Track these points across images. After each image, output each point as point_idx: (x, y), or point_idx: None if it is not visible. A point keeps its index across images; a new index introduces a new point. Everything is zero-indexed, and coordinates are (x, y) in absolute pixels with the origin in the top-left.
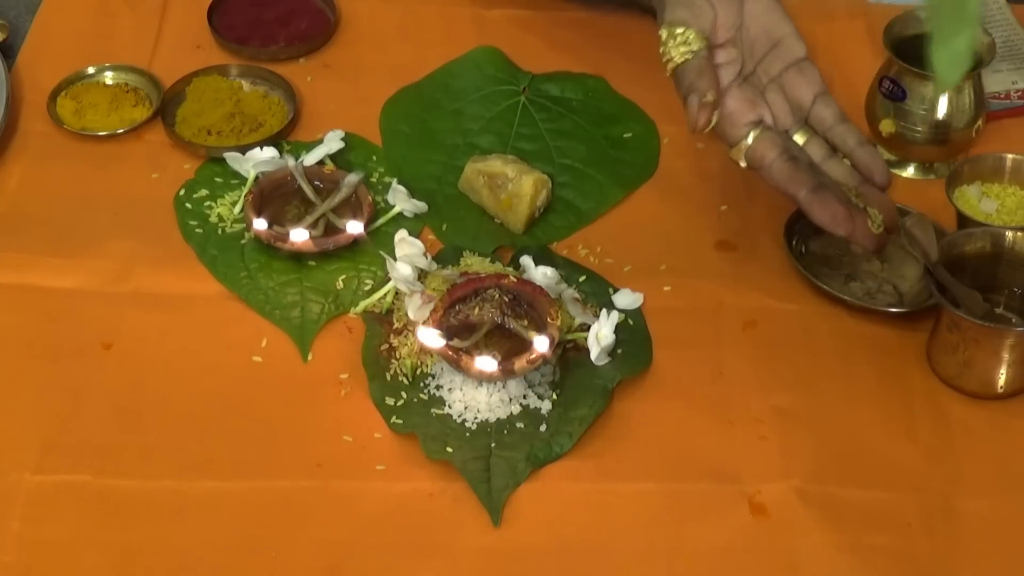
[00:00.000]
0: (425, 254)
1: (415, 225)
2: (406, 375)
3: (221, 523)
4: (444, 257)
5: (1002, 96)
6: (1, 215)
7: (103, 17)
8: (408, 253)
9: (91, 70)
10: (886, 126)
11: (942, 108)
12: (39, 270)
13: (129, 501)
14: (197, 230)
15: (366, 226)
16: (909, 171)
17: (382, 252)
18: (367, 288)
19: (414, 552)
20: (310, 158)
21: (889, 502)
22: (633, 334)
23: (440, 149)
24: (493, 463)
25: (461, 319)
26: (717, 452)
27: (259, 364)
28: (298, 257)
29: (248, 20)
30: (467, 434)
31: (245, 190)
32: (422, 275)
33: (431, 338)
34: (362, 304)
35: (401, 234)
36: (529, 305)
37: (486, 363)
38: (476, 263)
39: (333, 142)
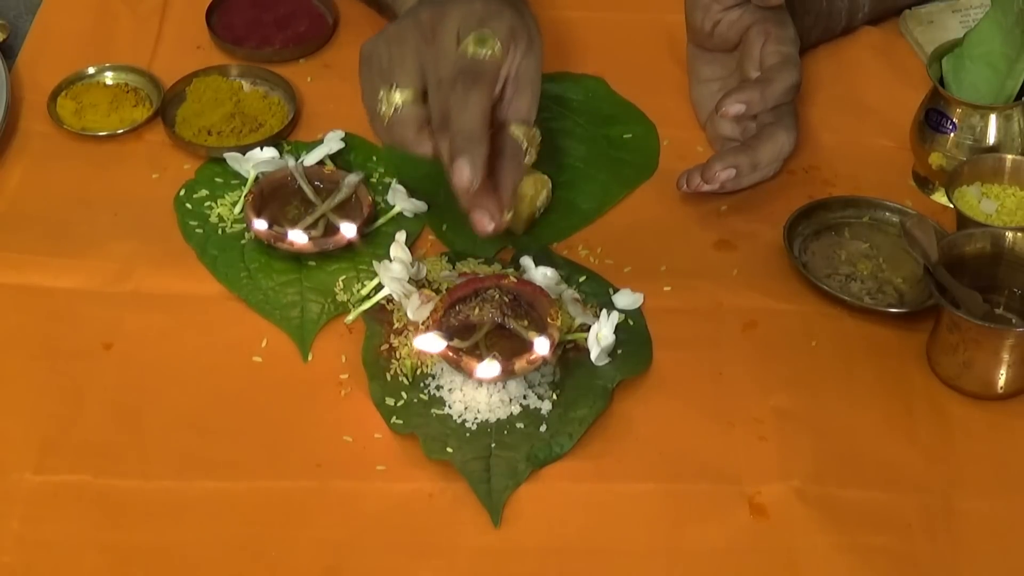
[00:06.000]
0: (413, 263)
1: (415, 225)
2: (406, 375)
3: (221, 523)
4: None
5: None
6: (1, 215)
7: (103, 17)
8: (398, 255)
9: (91, 70)
10: (936, 159)
11: (991, 137)
12: (39, 270)
13: (129, 501)
14: (197, 230)
15: (365, 226)
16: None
17: (374, 262)
18: (364, 291)
19: (414, 552)
20: (310, 158)
21: (889, 502)
22: (633, 334)
23: None
24: (493, 463)
25: (461, 319)
26: (717, 452)
27: (259, 364)
28: (298, 257)
29: (247, 21)
30: (467, 434)
31: (245, 190)
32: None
33: (430, 343)
34: (354, 313)
35: (397, 238)
36: (529, 305)
37: (486, 369)
38: (474, 264)
39: (333, 142)
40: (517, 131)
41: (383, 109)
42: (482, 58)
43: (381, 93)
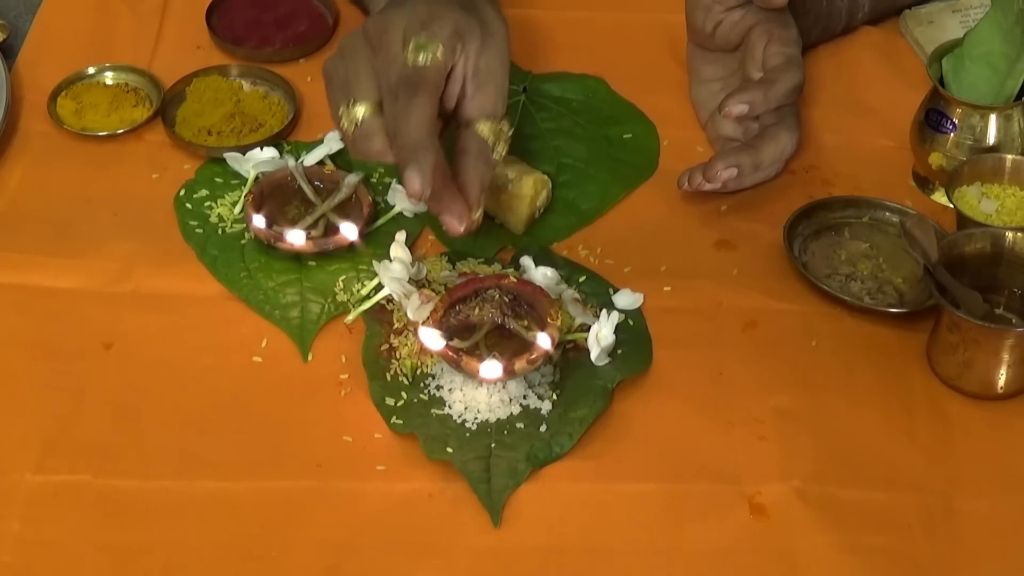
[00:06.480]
0: (414, 263)
1: (415, 225)
2: (406, 375)
3: (221, 523)
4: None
5: None
6: (1, 215)
7: (103, 17)
8: (398, 255)
9: (91, 70)
10: (936, 159)
11: (991, 137)
12: (39, 270)
13: (129, 501)
14: (197, 230)
15: (365, 226)
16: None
17: (374, 262)
18: (364, 291)
19: (414, 552)
20: (310, 158)
21: (889, 502)
22: (633, 334)
23: None
24: (493, 463)
25: (461, 319)
26: (717, 452)
27: (259, 364)
28: (298, 257)
29: (247, 21)
30: (467, 434)
31: (245, 190)
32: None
33: (432, 339)
34: (354, 313)
35: (397, 238)
36: (529, 305)
37: (490, 369)
38: (474, 264)
39: (333, 142)
40: (483, 127)
41: (345, 125)
42: (422, 65)
43: (341, 109)
